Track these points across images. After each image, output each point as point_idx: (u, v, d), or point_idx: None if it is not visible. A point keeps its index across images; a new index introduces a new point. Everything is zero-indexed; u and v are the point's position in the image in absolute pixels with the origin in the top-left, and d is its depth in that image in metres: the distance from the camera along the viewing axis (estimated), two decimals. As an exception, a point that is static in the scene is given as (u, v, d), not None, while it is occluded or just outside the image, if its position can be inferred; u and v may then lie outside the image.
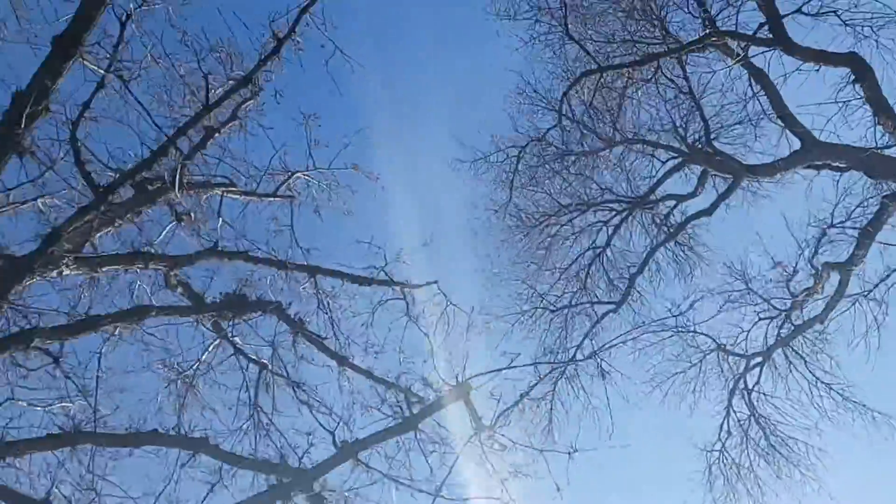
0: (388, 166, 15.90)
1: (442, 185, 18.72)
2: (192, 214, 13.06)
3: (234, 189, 12.85)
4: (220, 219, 12.91)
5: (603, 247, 20.09)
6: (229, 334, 12.69)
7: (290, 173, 14.34)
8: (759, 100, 17.92)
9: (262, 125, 13.90)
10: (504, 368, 11.67)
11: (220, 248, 12.36)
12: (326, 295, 14.01)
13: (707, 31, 16.64)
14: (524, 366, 12.95)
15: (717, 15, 17.34)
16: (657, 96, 18.33)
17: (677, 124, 18.84)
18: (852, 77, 15.67)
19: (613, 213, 19.98)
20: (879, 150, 15.96)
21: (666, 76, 17.69)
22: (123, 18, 11.50)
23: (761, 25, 16.07)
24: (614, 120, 18.38)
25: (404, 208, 16.12)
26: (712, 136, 18.70)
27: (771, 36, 15.69)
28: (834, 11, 16.68)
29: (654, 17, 17.73)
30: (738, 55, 16.65)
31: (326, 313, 13.88)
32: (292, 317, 12.76)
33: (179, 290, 12.17)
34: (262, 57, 12.61)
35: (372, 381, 13.32)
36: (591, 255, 20.10)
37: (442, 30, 20.76)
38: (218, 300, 12.27)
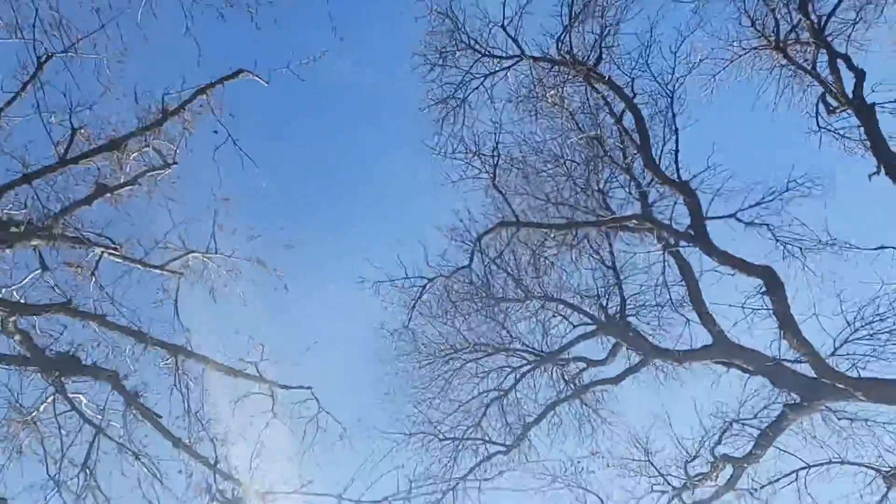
0: (296, 267, 15.88)
1: (350, 300, 18.34)
2: (80, 267, 12.95)
3: (115, 252, 12.68)
4: (94, 278, 12.69)
5: (506, 391, 19.75)
6: (68, 392, 12.34)
7: (187, 251, 14.31)
8: (670, 290, 18.47)
9: (170, 198, 13.98)
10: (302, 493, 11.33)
11: (73, 306, 12.09)
12: (188, 377, 13.74)
13: (641, 212, 16.87)
14: (320, 495, 12.56)
15: (653, 203, 17.73)
16: (581, 262, 18.45)
17: (599, 294, 18.94)
18: (763, 288, 15.77)
19: (523, 362, 19.78)
20: (783, 362, 16.27)
21: (591, 246, 17.87)
22: (43, 58, 11.65)
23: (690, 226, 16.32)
24: (537, 273, 18.42)
25: (305, 312, 16.00)
26: (629, 312, 18.90)
27: (692, 234, 15.90)
28: (767, 225, 17.52)
29: (595, 188, 18.00)
30: (667, 241, 16.82)
31: (182, 393, 13.58)
32: (128, 389, 12.39)
33: (18, 337, 11.82)
34: (141, 125, 12.71)
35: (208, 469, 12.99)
36: (493, 396, 19.76)
37: (382, 150, 20.95)
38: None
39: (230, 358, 14.25)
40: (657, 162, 16.18)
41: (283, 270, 15.40)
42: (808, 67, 17.80)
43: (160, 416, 12.53)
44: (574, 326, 18.90)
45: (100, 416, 12.87)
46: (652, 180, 16.49)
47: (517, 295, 19.34)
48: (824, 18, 17.45)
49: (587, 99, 16.25)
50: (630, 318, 19.20)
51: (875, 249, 16.00)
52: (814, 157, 18.29)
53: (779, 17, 17.88)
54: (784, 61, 18.12)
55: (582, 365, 19.93)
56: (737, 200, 17.12)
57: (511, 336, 19.38)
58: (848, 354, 16.40)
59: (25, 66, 11.72)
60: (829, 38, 17.59)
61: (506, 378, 19.75)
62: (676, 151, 16.41)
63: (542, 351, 19.65)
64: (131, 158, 12.95)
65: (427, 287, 16.30)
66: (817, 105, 18.17)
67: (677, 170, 16.25)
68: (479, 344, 19.35)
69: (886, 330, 16.56)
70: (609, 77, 15.77)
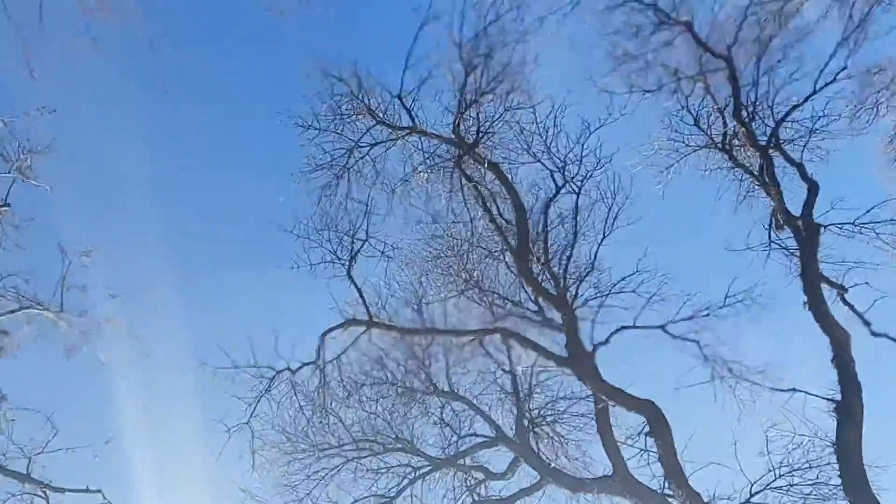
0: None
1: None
2: None
3: None
4: None
5: (391, 497, 17.84)
6: None
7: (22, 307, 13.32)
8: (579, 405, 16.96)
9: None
10: None
11: None
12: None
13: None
14: None
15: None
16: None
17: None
18: (646, 428, 13.83)
19: (410, 468, 17.93)
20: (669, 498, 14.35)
21: (486, 350, 16.19)
22: None
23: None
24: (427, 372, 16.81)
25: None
26: (534, 424, 17.36)
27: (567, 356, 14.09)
28: (696, 342, 16.06)
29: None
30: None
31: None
32: None
33: None
34: None
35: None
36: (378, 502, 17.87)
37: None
38: None
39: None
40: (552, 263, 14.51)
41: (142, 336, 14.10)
42: (756, 173, 15.94)
43: None
44: (461, 436, 17.00)
45: None
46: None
47: (425, 388, 17.64)
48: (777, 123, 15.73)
49: (460, 185, 14.54)
50: (537, 430, 17.50)
51: (787, 391, 14.42)
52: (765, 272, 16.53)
53: (727, 117, 16.15)
54: (732, 164, 16.29)
55: (481, 476, 17.99)
56: (671, 310, 15.91)
57: (399, 436, 17.52)
58: (762, 504, 15.00)
59: None
60: (784, 144, 15.86)
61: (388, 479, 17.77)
62: (569, 257, 14.67)
63: (435, 458, 17.74)
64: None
65: (274, 380, 14.65)
66: (771, 217, 16.48)
67: (564, 278, 14.46)
68: (365, 440, 17.57)
69: (808, 483, 14.68)
70: (489, 161, 14.11)
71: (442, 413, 18.10)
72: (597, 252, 15.90)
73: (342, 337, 14.48)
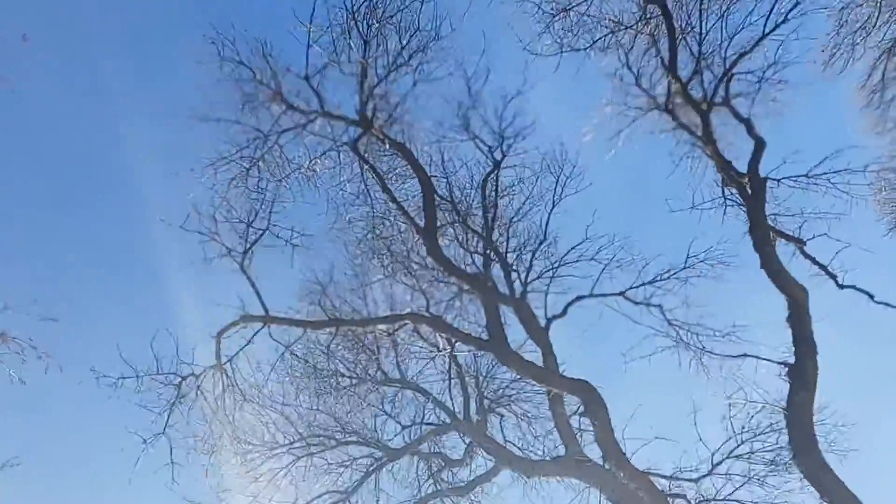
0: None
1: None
2: None
3: None
4: None
5: (347, 492, 17.01)
6: None
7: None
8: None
9: None
10: None
11: None
12: None
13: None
14: None
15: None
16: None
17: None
18: (581, 408, 12.87)
19: (372, 460, 17.12)
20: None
21: (420, 335, 15.18)
22: None
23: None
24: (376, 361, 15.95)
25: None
26: (497, 402, 16.78)
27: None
28: (659, 306, 15.47)
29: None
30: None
31: None
32: None
33: None
34: None
35: None
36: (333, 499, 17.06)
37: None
38: None
39: None
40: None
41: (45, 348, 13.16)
42: (699, 134, 14.70)
43: None
44: (409, 426, 16.26)
45: None
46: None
47: (372, 378, 16.83)
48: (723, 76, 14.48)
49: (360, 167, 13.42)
50: (499, 410, 16.91)
51: (737, 357, 13.76)
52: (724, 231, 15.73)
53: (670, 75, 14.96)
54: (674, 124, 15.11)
55: (441, 462, 17.20)
56: (630, 278, 15.46)
57: (349, 429, 16.75)
58: (727, 473, 14.49)
59: None
60: (733, 98, 14.85)
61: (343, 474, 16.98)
62: (490, 229, 13.61)
63: (390, 447, 17.02)
64: None
65: (182, 385, 13.79)
66: (720, 174, 15.23)
67: (486, 257, 13.55)
68: (314, 437, 16.79)
69: (769, 449, 14.43)
70: (391, 140, 13.00)
71: (393, 402, 17.31)
72: (547, 222, 15.37)
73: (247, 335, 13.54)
